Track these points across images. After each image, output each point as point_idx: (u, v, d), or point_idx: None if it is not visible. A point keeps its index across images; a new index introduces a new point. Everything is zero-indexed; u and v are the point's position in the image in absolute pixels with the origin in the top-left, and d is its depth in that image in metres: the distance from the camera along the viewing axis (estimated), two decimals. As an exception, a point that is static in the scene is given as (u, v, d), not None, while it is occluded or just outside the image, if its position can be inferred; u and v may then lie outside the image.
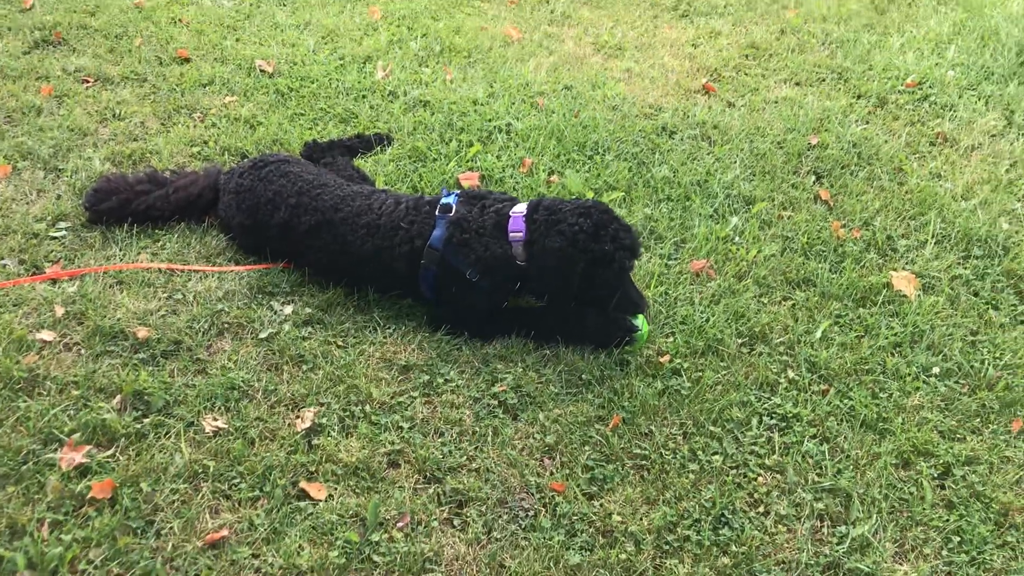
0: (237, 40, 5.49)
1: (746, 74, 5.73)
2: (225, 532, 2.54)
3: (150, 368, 3.06)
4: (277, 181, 3.59)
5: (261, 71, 5.13)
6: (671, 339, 3.44)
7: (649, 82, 5.52)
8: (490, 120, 4.83)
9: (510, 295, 3.47)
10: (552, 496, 2.78)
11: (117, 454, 2.74)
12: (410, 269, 3.40)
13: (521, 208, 3.38)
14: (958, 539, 2.78)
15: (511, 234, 3.32)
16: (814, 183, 4.57)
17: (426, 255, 3.35)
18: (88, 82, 4.82)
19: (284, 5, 6.06)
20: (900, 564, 2.70)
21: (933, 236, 4.17)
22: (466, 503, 2.75)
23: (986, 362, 3.46)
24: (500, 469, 2.86)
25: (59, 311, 3.23)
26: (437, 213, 3.39)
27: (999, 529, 2.83)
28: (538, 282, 3.34)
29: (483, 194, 3.50)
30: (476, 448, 2.93)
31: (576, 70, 5.59)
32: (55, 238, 3.63)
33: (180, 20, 5.62)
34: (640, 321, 3.38)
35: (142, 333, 3.15)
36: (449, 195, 3.46)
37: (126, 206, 3.71)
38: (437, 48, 5.63)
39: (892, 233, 4.19)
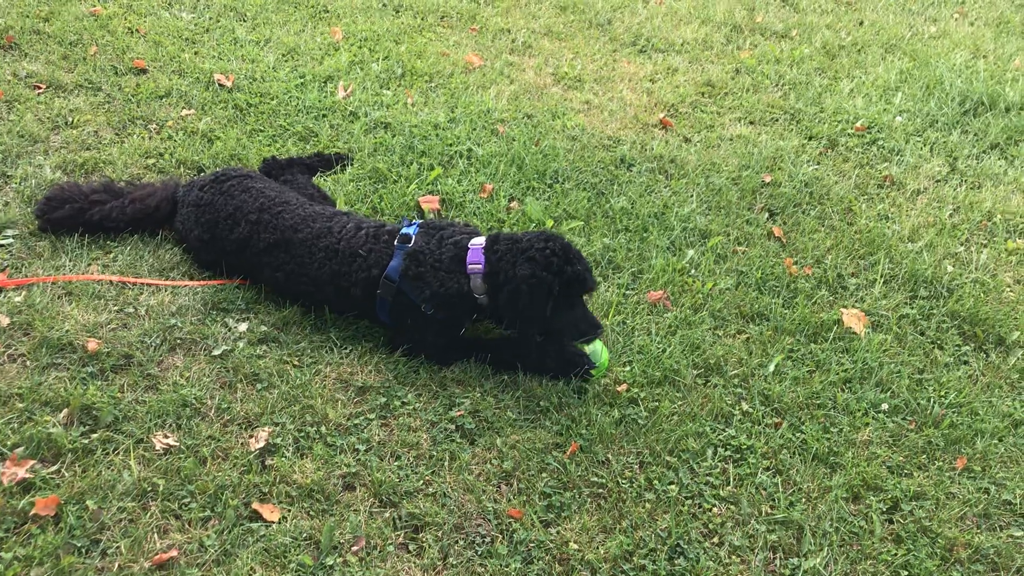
0: (195, 53, 5.43)
1: (702, 111, 5.84)
2: (174, 553, 2.47)
3: (99, 382, 2.97)
4: (239, 196, 3.54)
5: (220, 85, 5.07)
6: (628, 368, 3.46)
7: (608, 114, 5.59)
8: (451, 145, 4.84)
9: (467, 326, 3.45)
10: (509, 522, 2.77)
11: (62, 470, 2.65)
12: (366, 296, 3.37)
13: (480, 240, 3.36)
14: (906, 573, 2.83)
15: (470, 266, 3.29)
16: (767, 220, 4.66)
17: (382, 286, 3.31)
18: (40, 88, 4.71)
19: (244, 21, 6.01)
20: (850, 597, 2.74)
21: (882, 276, 4.27)
22: (422, 528, 2.72)
23: (932, 400, 3.55)
24: (457, 494, 2.84)
25: (4, 320, 3.13)
26: (396, 243, 3.36)
27: (945, 564, 2.89)
28: (508, 311, 3.28)
29: (443, 225, 3.48)
30: (433, 472, 2.90)
31: (536, 99, 5.64)
32: (2, 246, 3.53)
33: (137, 30, 5.53)
34: (600, 350, 3.39)
35: (92, 345, 3.06)
36: (410, 225, 3.44)
37: (80, 215, 3.62)
38: (399, 71, 5.63)
39: (842, 271, 4.29)
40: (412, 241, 3.36)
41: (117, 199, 3.69)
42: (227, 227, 3.51)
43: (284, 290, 3.51)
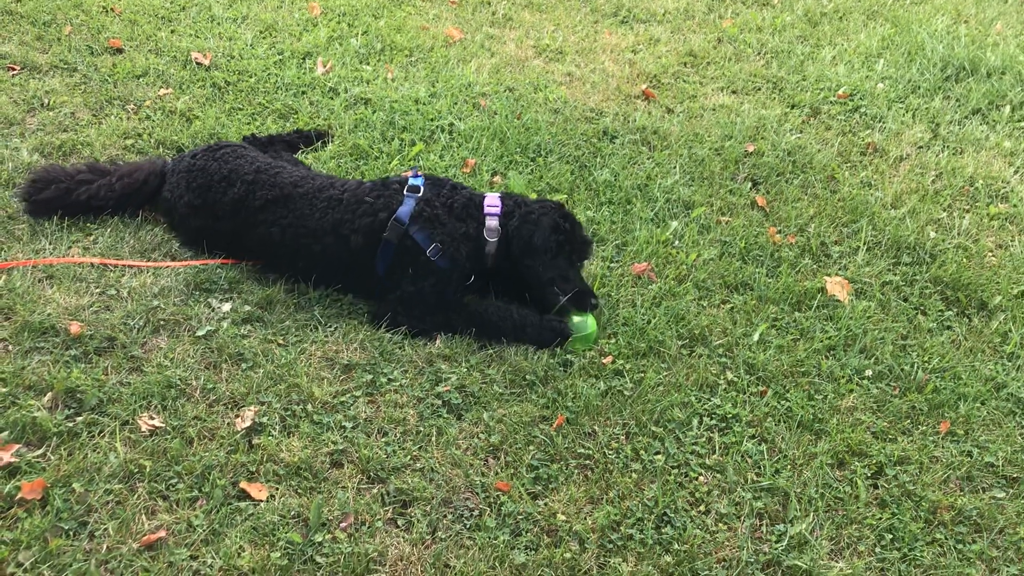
0: (172, 31, 5.36)
1: (684, 81, 5.82)
2: (162, 533, 2.47)
3: (82, 365, 2.96)
4: (233, 161, 3.59)
5: (197, 64, 5.02)
6: (613, 340, 3.47)
7: (590, 86, 5.56)
8: (432, 119, 4.81)
9: (463, 285, 3.48)
10: (497, 496, 2.78)
11: (48, 453, 2.64)
12: (368, 243, 3.39)
13: (493, 193, 3.55)
14: (890, 536, 2.85)
15: (487, 208, 3.44)
16: (751, 189, 4.66)
17: (390, 228, 3.36)
18: (14, 70, 4.65)
19: (221, -2, 5.94)
20: (836, 561, 2.77)
21: (865, 243, 4.29)
22: (410, 503, 2.73)
23: (915, 365, 3.57)
24: (444, 469, 2.85)
25: (-15, 305, 3.11)
26: (405, 191, 3.43)
27: (928, 527, 2.92)
28: (517, 244, 3.46)
29: (448, 180, 3.59)
30: (420, 448, 2.91)
31: (518, 72, 5.61)
32: (-20, 230, 3.50)
33: (112, 9, 5.46)
34: (590, 322, 3.40)
35: (74, 328, 3.04)
36: (418, 176, 3.50)
37: (67, 196, 3.58)
38: (378, 46, 5.59)
39: (826, 239, 4.30)
40: (421, 191, 3.44)
41: (104, 177, 3.66)
42: (221, 189, 3.51)
43: (273, 253, 3.49)
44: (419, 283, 3.37)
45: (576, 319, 3.42)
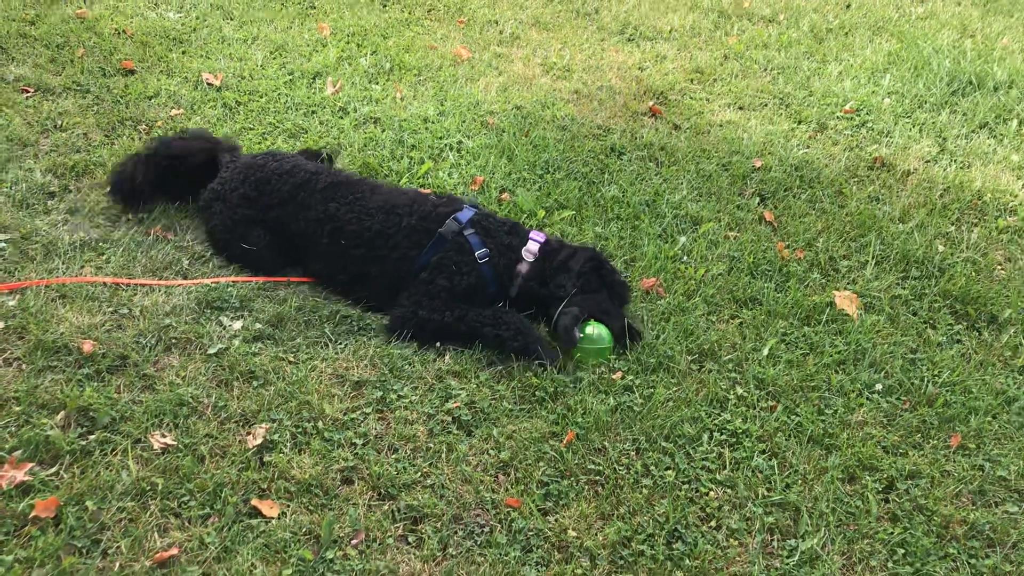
0: (183, 53, 5.42)
1: (691, 98, 5.85)
2: (175, 551, 2.48)
3: (95, 384, 2.98)
4: (293, 160, 3.85)
5: (208, 84, 5.07)
6: (623, 356, 3.47)
7: (597, 103, 5.59)
8: (441, 138, 4.84)
9: (487, 298, 3.57)
10: (507, 512, 2.78)
11: (61, 471, 2.66)
12: (419, 229, 3.57)
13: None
14: (903, 551, 2.84)
15: (533, 235, 3.67)
16: (758, 204, 4.68)
17: (447, 224, 3.56)
18: (28, 92, 4.71)
19: (231, 19, 6.00)
20: (848, 576, 2.76)
21: (873, 257, 4.29)
22: (421, 519, 2.73)
23: (925, 379, 3.57)
24: (455, 485, 2.85)
25: (-1, 325, 3.13)
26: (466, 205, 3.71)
27: (941, 541, 2.91)
28: (554, 272, 3.58)
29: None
30: (431, 464, 2.92)
31: (525, 90, 5.64)
32: (-6, 250, 3.53)
33: (124, 31, 5.52)
34: (606, 336, 3.42)
35: (87, 347, 3.07)
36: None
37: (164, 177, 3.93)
38: (387, 65, 5.63)
39: (834, 254, 4.31)
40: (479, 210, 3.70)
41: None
42: (280, 180, 3.72)
43: (324, 226, 3.62)
44: (455, 280, 3.48)
45: (590, 330, 3.43)
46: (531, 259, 3.60)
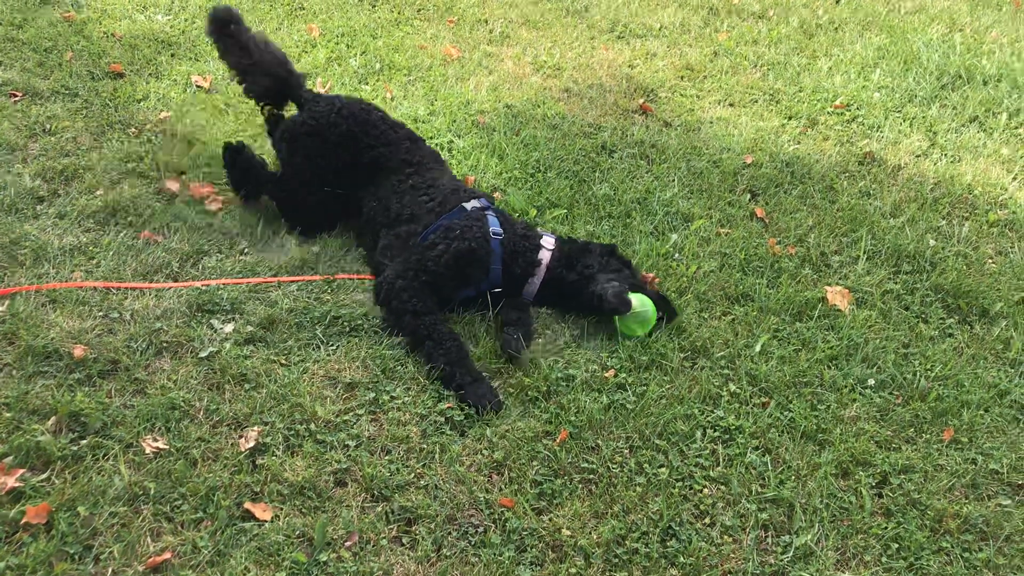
0: (172, 55, 5.40)
1: (682, 95, 5.85)
2: (168, 555, 2.48)
3: (86, 388, 2.97)
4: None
5: (197, 87, 5.05)
6: (616, 353, 3.48)
7: (588, 102, 5.59)
8: (432, 137, 4.83)
9: (483, 284, 3.63)
10: (501, 512, 2.78)
11: (52, 477, 2.64)
12: (449, 191, 3.77)
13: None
14: (896, 546, 2.85)
15: (545, 238, 3.77)
16: (750, 201, 4.68)
17: (472, 202, 3.71)
18: (16, 96, 4.68)
19: (220, 21, 5.96)
20: (842, 571, 2.76)
21: (864, 252, 4.30)
22: (415, 521, 2.73)
23: (918, 374, 3.58)
24: (448, 486, 2.85)
25: (-12, 331, 3.12)
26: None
27: (934, 535, 2.91)
28: (578, 253, 3.74)
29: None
30: (424, 465, 2.91)
31: (516, 89, 5.64)
32: (-17, 256, 3.51)
33: (113, 34, 5.50)
34: (651, 309, 3.54)
35: (78, 352, 3.05)
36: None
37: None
38: (377, 66, 5.62)
39: (825, 249, 4.31)
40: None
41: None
42: (385, 123, 4.04)
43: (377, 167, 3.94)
44: (457, 244, 3.53)
45: (634, 301, 3.50)
46: (551, 247, 3.70)
